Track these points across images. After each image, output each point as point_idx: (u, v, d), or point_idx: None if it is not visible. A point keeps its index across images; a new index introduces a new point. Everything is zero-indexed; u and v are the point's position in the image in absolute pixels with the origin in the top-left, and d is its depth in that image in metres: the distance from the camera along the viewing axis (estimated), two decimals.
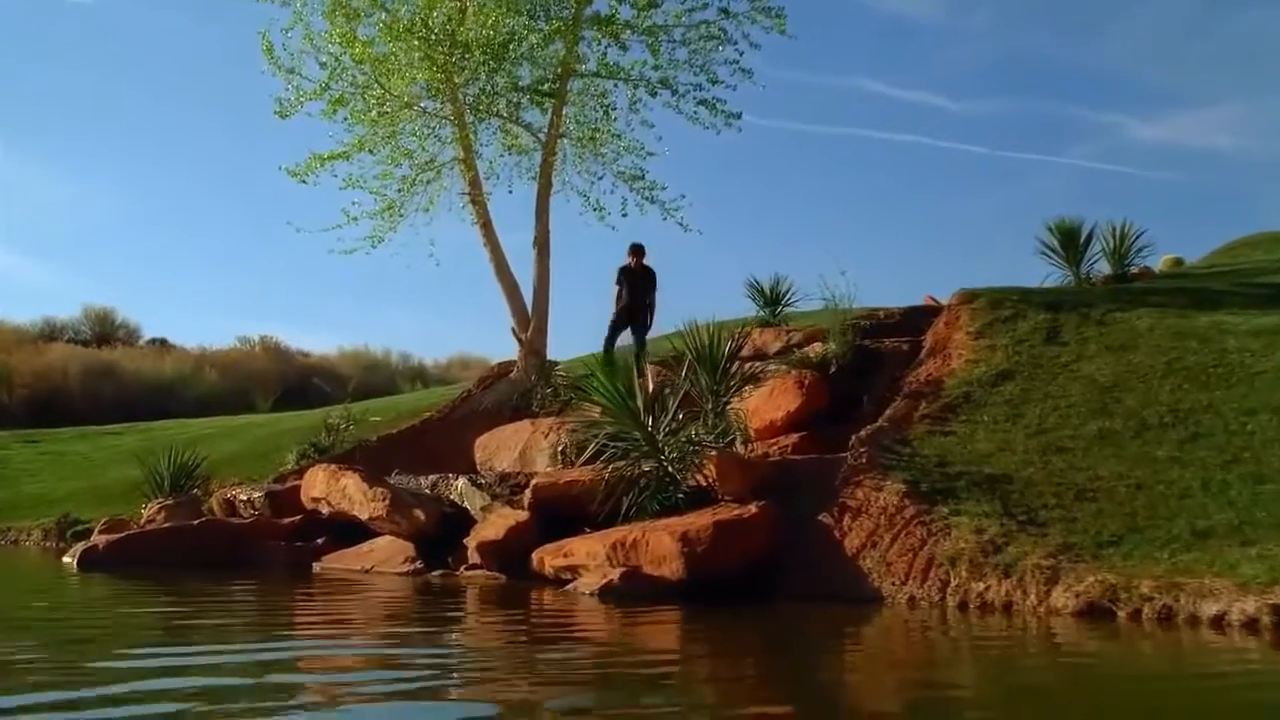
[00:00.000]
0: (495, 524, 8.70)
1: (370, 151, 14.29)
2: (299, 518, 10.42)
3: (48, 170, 59.66)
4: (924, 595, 6.42)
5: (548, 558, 7.97)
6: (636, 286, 11.95)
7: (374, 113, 14.11)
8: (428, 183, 14.44)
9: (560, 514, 8.55)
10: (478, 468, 12.30)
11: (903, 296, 16.70)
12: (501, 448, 12.19)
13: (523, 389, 14.03)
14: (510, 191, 14.61)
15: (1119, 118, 56.98)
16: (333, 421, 13.76)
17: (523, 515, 8.65)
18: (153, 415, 28.79)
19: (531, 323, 14.42)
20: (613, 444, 8.22)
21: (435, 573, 8.80)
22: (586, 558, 7.50)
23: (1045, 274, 12.82)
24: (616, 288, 11.96)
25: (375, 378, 37.13)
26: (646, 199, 14.38)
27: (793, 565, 7.15)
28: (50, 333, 41.10)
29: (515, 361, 14.65)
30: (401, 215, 14.40)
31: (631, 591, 6.86)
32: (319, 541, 10.11)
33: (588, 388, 8.70)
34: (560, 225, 14.80)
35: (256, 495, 10.82)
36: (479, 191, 14.65)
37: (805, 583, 6.89)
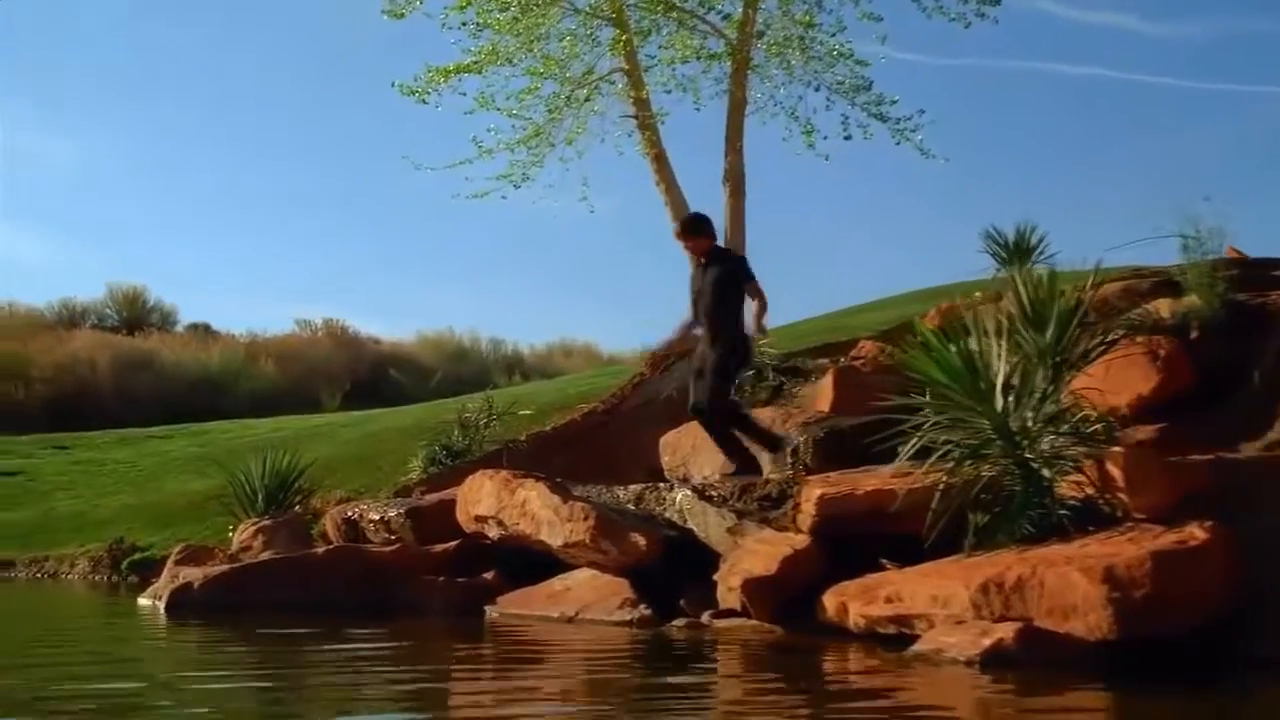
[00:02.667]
0: (760, 554, 7.37)
1: (509, 62, 13.08)
2: (455, 544, 9.26)
3: (54, 126, 60.28)
4: None
5: (853, 603, 6.60)
6: (701, 289, 9.16)
7: (513, 10, 12.91)
8: (584, 100, 13.17)
9: (851, 539, 7.20)
10: (665, 473, 11.07)
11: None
12: (699, 447, 10.92)
13: None
14: (699, 108, 13.19)
15: None
16: (469, 417, 12.60)
17: (800, 541, 7.31)
18: (200, 414, 28.23)
19: None
20: (946, 438, 6.79)
21: (675, 623, 7.47)
22: (932, 605, 6.10)
23: None
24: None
25: (464, 368, 36.30)
26: (874, 116, 12.93)
27: (1259, 618, 5.69)
28: (70, 318, 41.13)
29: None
30: (550, 145, 13.16)
31: (1033, 658, 5.43)
32: (486, 576, 8.88)
33: (911, 359, 7.27)
34: (757, 158, 13.42)
35: (393, 514, 9.66)
36: (648, 114, 13.36)
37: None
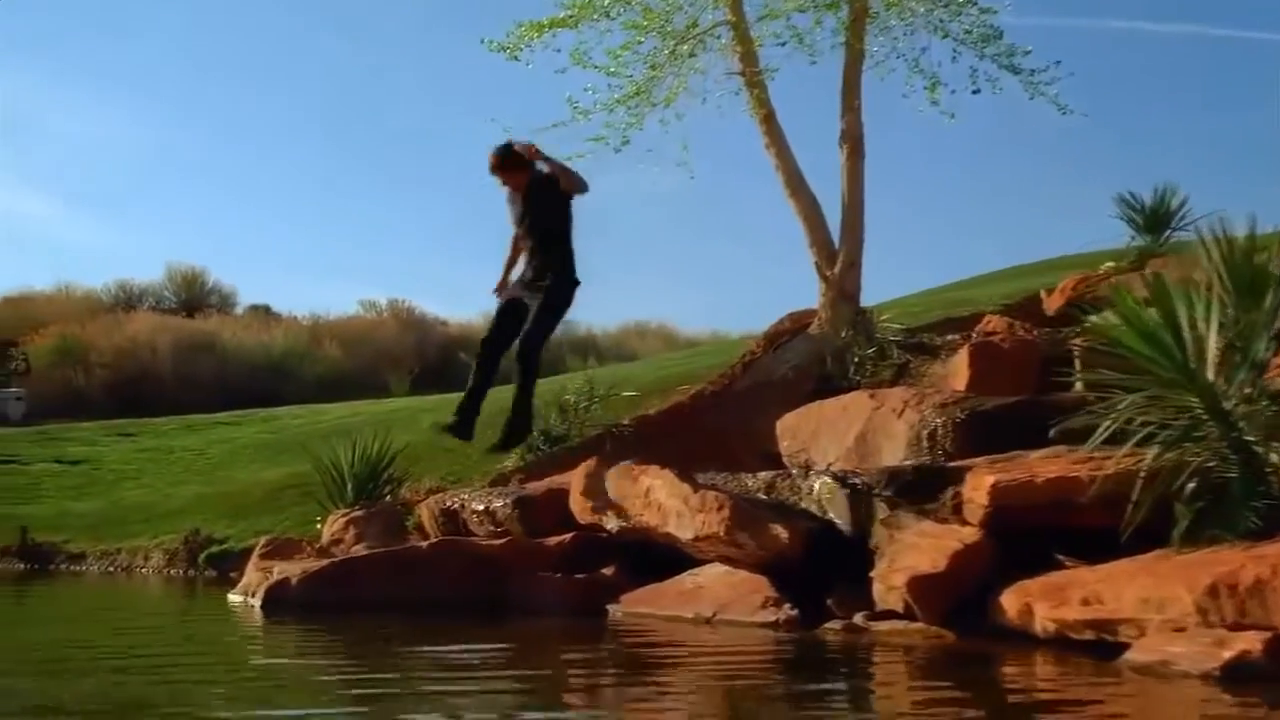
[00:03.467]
0: (924, 548, 6.84)
1: (606, 15, 12.59)
2: (569, 536, 8.81)
3: (101, 102, 60.58)
4: None
5: (1039, 605, 6.06)
6: (531, 217, 8.62)
7: None
8: (687, 55, 12.65)
9: (1026, 532, 6.65)
10: (784, 459, 10.56)
11: None
12: (822, 431, 10.39)
13: (832, 348, 12.19)
14: (814, 61, 12.62)
15: None
16: (569, 400, 12.14)
17: (969, 534, 6.78)
18: (263, 399, 28.17)
19: (841, 254, 12.54)
20: (1144, 419, 6.21)
21: (828, 625, 6.96)
22: (1143, 609, 5.54)
23: None
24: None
25: None
26: (1005, 68, 12.30)
27: None
28: (128, 300, 41.30)
29: (816, 311, 12.79)
30: (652, 104, 12.65)
31: None
32: (605, 572, 8.42)
33: (1113, 331, 6.69)
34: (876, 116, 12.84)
35: (499, 504, 9.22)
36: (755, 70, 12.81)
37: None
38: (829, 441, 10.29)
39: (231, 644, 7.37)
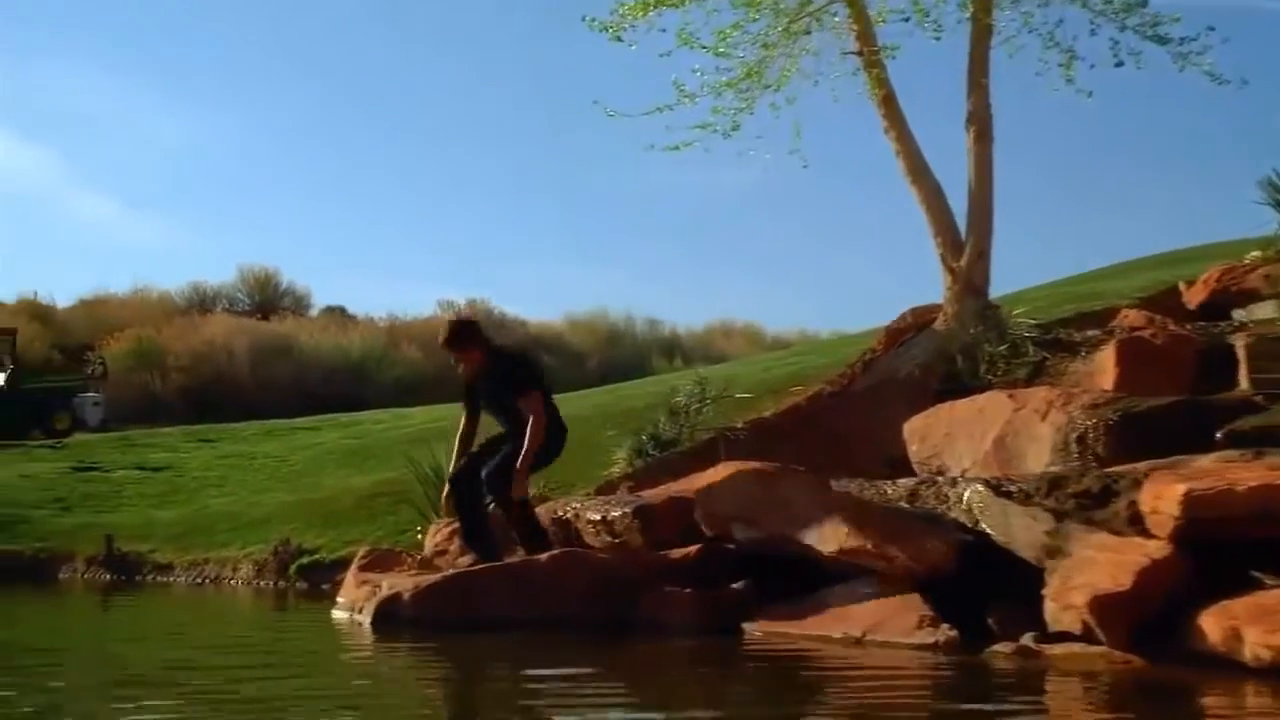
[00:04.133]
0: (1104, 564, 6.39)
1: None
2: (694, 549, 8.41)
3: (169, 102, 61.11)
4: None
5: (1250, 629, 5.61)
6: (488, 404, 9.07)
7: None
8: (801, 33, 12.23)
9: (1219, 546, 6.17)
10: (914, 465, 10.12)
11: None
12: (956, 434, 9.96)
13: (960, 345, 11.70)
14: (937, 38, 12.12)
15: None
16: (679, 401, 11.76)
17: (1158, 548, 6.30)
18: (343, 403, 28.14)
19: (968, 244, 12.04)
20: None
21: (996, 648, 6.51)
22: None
23: None
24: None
25: (620, 353, 35.82)
26: (1150, 38, 11.74)
27: None
28: (201, 302, 41.57)
29: (940, 306, 12.30)
30: (764, 86, 12.23)
31: None
32: (735, 586, 8.02)
33: None
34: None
35: (616, 513, 8.85)
36: (874, 49, 12.35)
37: None
38: (964, 445, 9.84)
39: (354, 667, 7.06)
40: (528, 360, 9.26)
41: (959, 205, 12.26)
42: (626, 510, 8.92)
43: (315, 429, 22.36)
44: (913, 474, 9.63)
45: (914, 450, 10.27)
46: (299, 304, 42.81)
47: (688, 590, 7.91)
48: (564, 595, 8.02)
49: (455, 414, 22.26)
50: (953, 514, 7.75)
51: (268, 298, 42.52)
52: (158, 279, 52.71)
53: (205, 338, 32.12)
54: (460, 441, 9.06)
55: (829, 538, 7.46)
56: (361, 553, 10.67)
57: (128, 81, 61.53)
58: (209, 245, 60.65)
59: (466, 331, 8.96)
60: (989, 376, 11.43)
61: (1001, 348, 11.54)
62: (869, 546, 7.25)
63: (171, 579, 14.19)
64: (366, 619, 8.00)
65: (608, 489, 11.35)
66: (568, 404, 18.42)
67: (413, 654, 7.29)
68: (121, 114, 62.71)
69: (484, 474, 8.61)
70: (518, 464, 8.57)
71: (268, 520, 15.10)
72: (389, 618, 7.86)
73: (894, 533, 7.24)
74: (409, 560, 10.46)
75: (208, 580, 13.85)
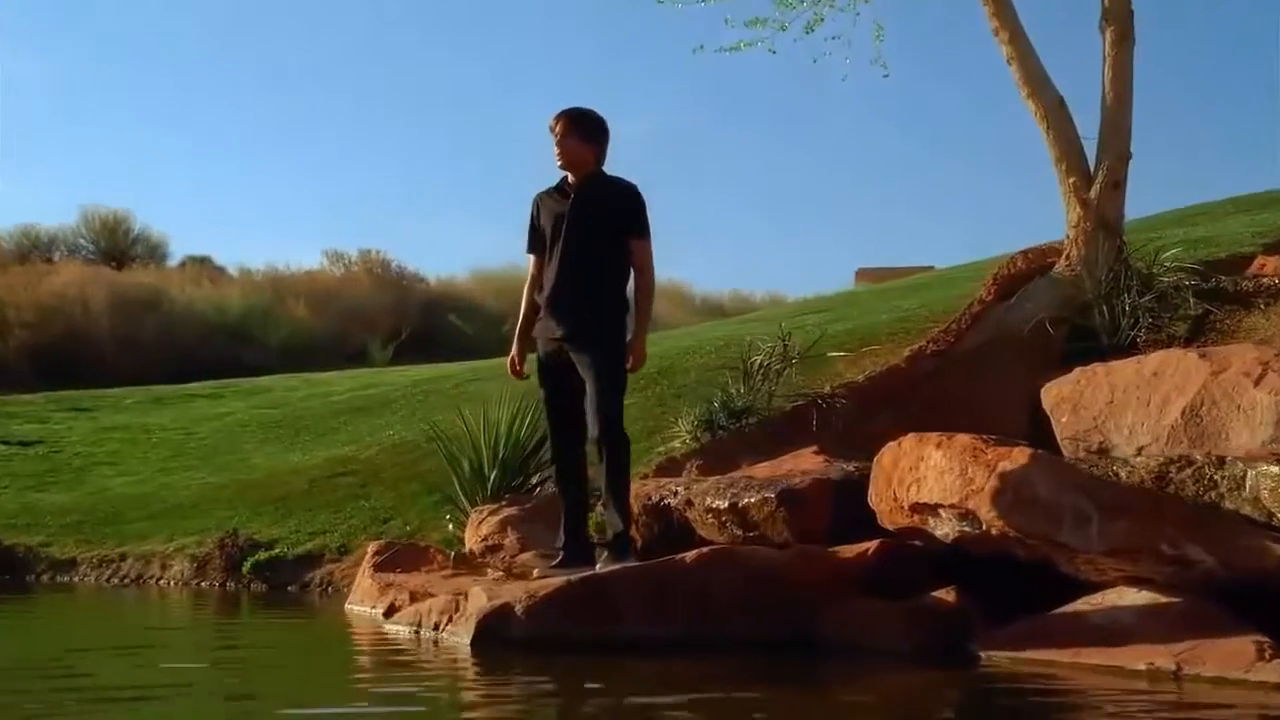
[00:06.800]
0: None
1: None
2: (873, 546, 7.14)
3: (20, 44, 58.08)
4: None
5: None
6: (567, 236, 7.22)
7: None
8: None
9: None
10: (1061, 439, 8.95)
11: None
12: (1124, 403, 8.77)
13: (1092, 295, 10.60)
14: None
15: None
16: (756, 361, 10.45)
17: None
18: (223, 368, 26.38)
19: (1101, 171, 10.92)
20: None
21: None
22: None
23: None
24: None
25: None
26: None
27: None
28: (32, 248, 39.28)
29: (1060, 247, 11.19)
30: None
31: None
32: (942, 596, 6.77)
33: None
34: None
35: (752, 498, 7.56)
36: None
37: None
38: (1135, 417, 8.64)
39: None
40: (642, 198, 7.56)
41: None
42: (769, 495, 7.61)
43: (214, 396, 20.79)
44: (1050, 450, 8.53)
45: (1064, 423, 9.07)
46: (153, 253, 40.65)
47: (896, 602, 6.64)
48: (717, 605, 6.70)
49: (382, 382, 20.83)
50: (1227, 503, 6.60)
51: (116, 245, 40.29)
52: None
53: (53, 289, 29.93)
54: (528, 298, 7.45)
55: (1094, 534, 6.22)
56: (373, 549, 9.30)
57: None
58: (39, 189, 57.63)
59: (598, 121, 7.28)
60: (1135, 333, 10.34)
61: (1146, 298, 10.44)
62: (1164, 547, 6.03)
63: (75, 578, 12.54)
64: (461, 638, 6.58)
65: (670, 468, 10.05)
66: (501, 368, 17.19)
67: (579, 697, 5.77)
68: None
69: (606, 417, 7.13)
70: (638, 325, 7.31)
71: (194, 506, 13.55)
72: (495, 637, 6.43)
73: (1198, 529, 6.04)
74: (437, 556, 9.16)
75: (126, 580, 12.22)
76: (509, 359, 7.57)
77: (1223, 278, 10.74)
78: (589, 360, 7.14)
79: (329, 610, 9.56)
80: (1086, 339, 10.48)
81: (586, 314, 7.19)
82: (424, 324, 33.23)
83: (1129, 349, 10.01)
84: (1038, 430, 9.16)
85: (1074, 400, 9.06)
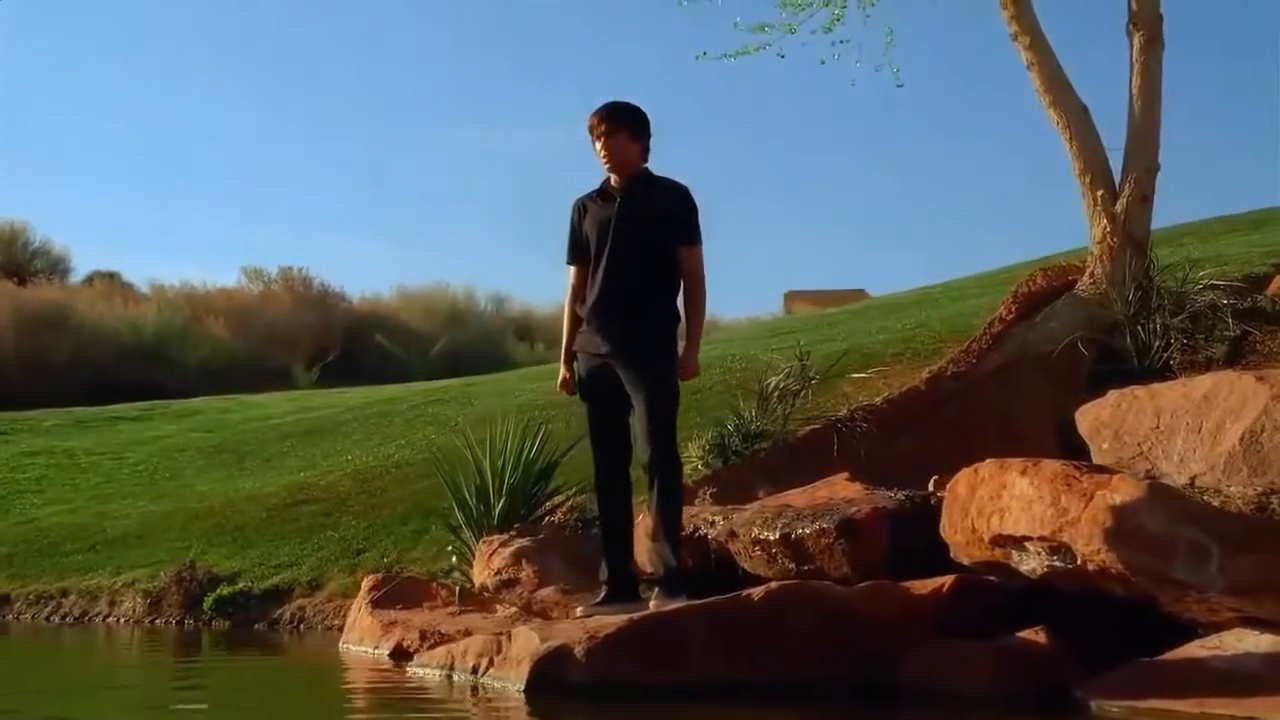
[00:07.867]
0: None
1: None
2: (948, 582, 6.76)
3: None
4: None
5: None
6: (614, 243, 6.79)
7: None
8: None
9: None
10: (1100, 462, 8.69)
11: None
12: (1172, 428, 8.46)
13: (1120, 315, 10.36)
14: None
15: None
16: (773, 383, 10.10)
17: None
18: (139, 391, 25.63)
19: (1128, 183, 10.69)
20: None
21: None
22: None
23: None
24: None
25: (467, 335, 33.85)
26: None
27: None
28: None
29: (1083, 264, 10.95)
30: None
31: None
32: (1031, 637, 6.40)
33: None
34: None
35: (807, 529, 7.15)
36: None
37: None
38: (1186, 443, 8.37)
39: None
40: (693, 200, 7.10)
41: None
42: (826, 525, 7.20)
43: (143, 419, 20.13)
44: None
45: (1104, 449, 8.74)
46: (55, 267, 39.60)
47: (984, 645, 6.26)
48: (789, 646, 6.29)
49: (323, 404, 20.22)
50: None
51: (14, 258, 39.20)
52: None
53: None
54: (570, 312, 7.01)
55: (1222, 571, 5.87)
56: (368, 583, 8.85)
57: None
58: None
59: (644, 116, 6.87)
60: (1166, 355, 10.09)
61: (1179, 319, 10.20)
62: None
63: (9, 616, 11.90)
64: (510, 683, 6.12)
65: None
66: (495, 388, 16.71)
67: None
68: None
69: (654, 444, 6.74)
70: (690, 339, 6.96)
71: (139, 537, 12.95)
72: (551, 682, 5.98)
73: None
74: (440, 592, 8.77)
75: (68, 618, 11.61)
76: (559, 379, 7.12)
77: (1259, 296, 10.52)
78: (637, 378, 6.73)
79: (320, 651, 9.04)
80: (1112, 360, 10.23)
81: (634, 327, 6.79)
82: (350, 345, 32.61)
83: (1161, 372, 9.78)
84: (1070, 455, 8.87)
85: (1115, 425, 8.73)
